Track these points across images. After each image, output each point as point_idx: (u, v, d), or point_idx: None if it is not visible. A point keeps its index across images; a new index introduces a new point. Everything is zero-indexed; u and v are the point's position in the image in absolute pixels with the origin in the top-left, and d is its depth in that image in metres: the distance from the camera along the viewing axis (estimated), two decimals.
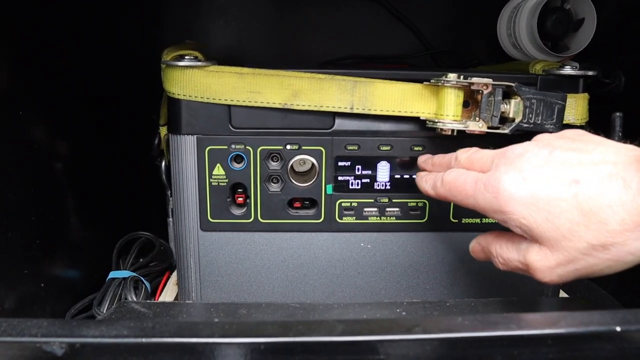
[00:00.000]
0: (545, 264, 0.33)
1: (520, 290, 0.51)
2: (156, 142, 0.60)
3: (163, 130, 0.57)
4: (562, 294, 0.56)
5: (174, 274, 0.62)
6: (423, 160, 0.46)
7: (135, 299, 0.53)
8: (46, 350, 0.29)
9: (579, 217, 0.31)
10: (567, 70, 0.47)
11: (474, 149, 0.40)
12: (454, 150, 0.48)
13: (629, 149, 0.32)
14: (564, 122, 0.46)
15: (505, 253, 0.36)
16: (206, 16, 0.76)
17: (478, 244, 0.40)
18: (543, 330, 0.30)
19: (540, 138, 0.36)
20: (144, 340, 0.29)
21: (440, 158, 0.44)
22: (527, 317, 0.31)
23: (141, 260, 0.62)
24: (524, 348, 0.30)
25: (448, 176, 0.38)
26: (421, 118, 0.46)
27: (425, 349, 0.30)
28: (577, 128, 0.48)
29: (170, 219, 0.65)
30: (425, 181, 0.42)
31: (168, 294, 0.58)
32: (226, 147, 0.47)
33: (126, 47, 0.70)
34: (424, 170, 0.46)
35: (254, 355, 0.30)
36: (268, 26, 0.77)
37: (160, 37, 0.76)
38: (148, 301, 0.54)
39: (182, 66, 0.45)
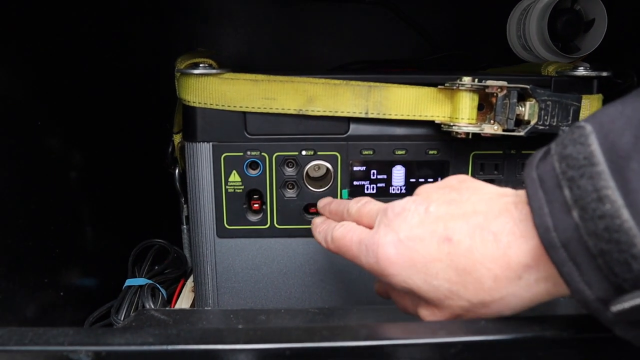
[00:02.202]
0: (434, 319, 0.33)
1: None
2: (170, 150, 0.60)
3: (177, 138, 0.57)
4: None
5: (189, 280, 0.62)
6: (322, 205, 0.45)
7: (152, 306, 0.53)
8: (73, 359, 0.30)
9: (456, 277, 0.30)
10: (581, 72, 0.47)
11: (364, 201, 0.39)
12: (468, 153, 0.48)
13: (502, 194, 0.31)
14: None
15: (402, 301, 0.36)
16: (215, 24, 0.77)
17: (380, 287, 0.40)
18: (567, 332, 0.30)
19: (420, 191, 0.35)
20: (169, 347, 0.30)
21: (336, 206, 0.42)
22: (550, 318, 0.31)
23: (156, 267, 0.62)
24: (548, 350, 0.30)
25: (336, 232, 0.37)
26: (436, 122, 0.46)
27: (450, 352, 0.30)
28: None
29: (185, 226, 0.65)
30: (319, 232, 0.41)
31: (184, 301, 0.58)
32: (242, 153, 0.47)
33: (137, 56, 0.71)
34: (322, 215, 0.45)
35: None
36: (276, 33, 0.78)
37: (170, 46, 0.76)
38: (167, 308, 0.54)
39: (197, 74, 0.46)
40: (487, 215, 0.30)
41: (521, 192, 0.30)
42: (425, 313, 0.33)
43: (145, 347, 0.30)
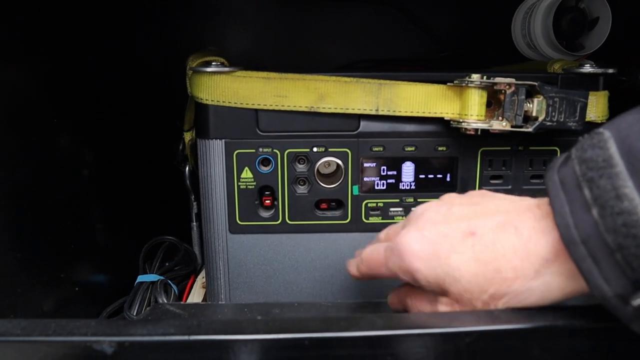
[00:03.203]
0: None
1: None
2: (180, 147, 0.61)
3: (187, 136, 0.58)
4: None
5: (199, 277, 0.63)
6: (357, 253, 0.46)
7: (166, 302, 0.54)
8: (96, 349, 0.30)
9: (477, 268, 0.31)
10: (588, 69, 0.48)
11: (390, 226, 0.41)
12: (477, 150, 0.49)
13: (523, 199, 0.33)
14: (586, 119, 0.47)
15: (419, 305, 0.37)
16: (223, 24, 0.77)
17: (395, 297, 0.41)
18: (579, 322, 0.31)
19: (443, 198, 0.37)
20: (191, 337, 0.30)
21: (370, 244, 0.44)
22: (562, 309, 0.32)
23: (167, 264, 0.63)
24: (560, 339, 0.31)
25: (364, 253, 0.39)
26: (445, 118, 0.47)
27: (465, 341, 0.30)
28: (598, 125, 0.49)
29: (194, 224, 0.65)
30: (352, 265, 0.42)
31: (195, 297, 0.59)
32: (254, 150, 0.48)
33: (146, 55, 0.72)
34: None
35: (298, 351, 0.30)
36: (283, 32, 0.78)
37: (178, 45, 0.77)
38: (181, 303, 0.55)
39: (209, 72, 0.46)
40: (510, 213, 0.32)
41: (542, 199, 0.32)
42: (445, 309, 0.34)
43: (167, 337, 0.30)
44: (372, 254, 0.38)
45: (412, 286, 0.38)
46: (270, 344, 0.31)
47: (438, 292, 0.34)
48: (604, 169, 0.25)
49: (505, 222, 0.31)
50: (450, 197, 0.36)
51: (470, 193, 0.37)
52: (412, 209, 0.37)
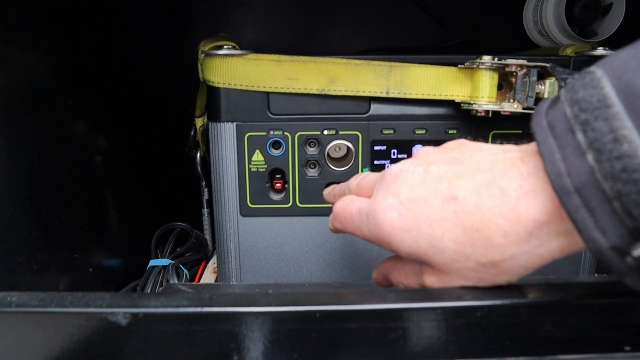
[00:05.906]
0: (442, 285, 0.32)
1: (557, 270, 0.52)
2: (192, 133, 0.61)
3: (199, 122, 0.58)
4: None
5: (211, 262, 0.64)
6: (327, 193, 0.44)
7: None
8: (111, 321, 0.31)
9: (463, 237, 0.28)
10: (600, 51, 0.48)
11: (363, 175, 0.37)
12: (488, 133, 0.49)
13: (506, 150, 0.30)
14: None
15: (404, 280, 0.34)
16: (235, 13, 0.78)
17: (379, 274, 0.38)
18: (591, 298, 0.31)
19: (418, 154, 0.33)
20: (204, 310, 0.31)
21: (340, 188, 0.41)
22: (574, 285, 0.32)
23: (178, 250, 0.63)
24: (571, 315, 0.31)
25: (336, 207, 0.36)
26: (456, 101, 0.47)
27: (476, 315, 0.31)
28: None
29: (205, 210, 0.66)
30: (329, 220, 0.39)
31: (206, 282, 0.59)
32: (265, 133, 0.48)
33: (160, 44, 0.72)
34: (330, 203, 0.42)
35: (310, 324, 0.31)
36: (294, 22, 0.79)
37: (191, 34, 0.77)
38: (194, 283, 0.56)
39: (221, 55, 0.47)
40: (494, 171, 0.28)
41: (525, 147, 0.29)
42: (432, 280, 0.32)
43: (180, 310, 0.31)
44: (344, 212, 0.35)
45: (395, 261, 0.36)
46: (282, 316, 0.31)
47: (422, 263, 0.32)
48: (599, 110, 0.23)
49: (489, 183, 0.28)
50: (427, 155, 0.33)
51: (448, 145, 0.33)
52: (388, 166, 0.33)
